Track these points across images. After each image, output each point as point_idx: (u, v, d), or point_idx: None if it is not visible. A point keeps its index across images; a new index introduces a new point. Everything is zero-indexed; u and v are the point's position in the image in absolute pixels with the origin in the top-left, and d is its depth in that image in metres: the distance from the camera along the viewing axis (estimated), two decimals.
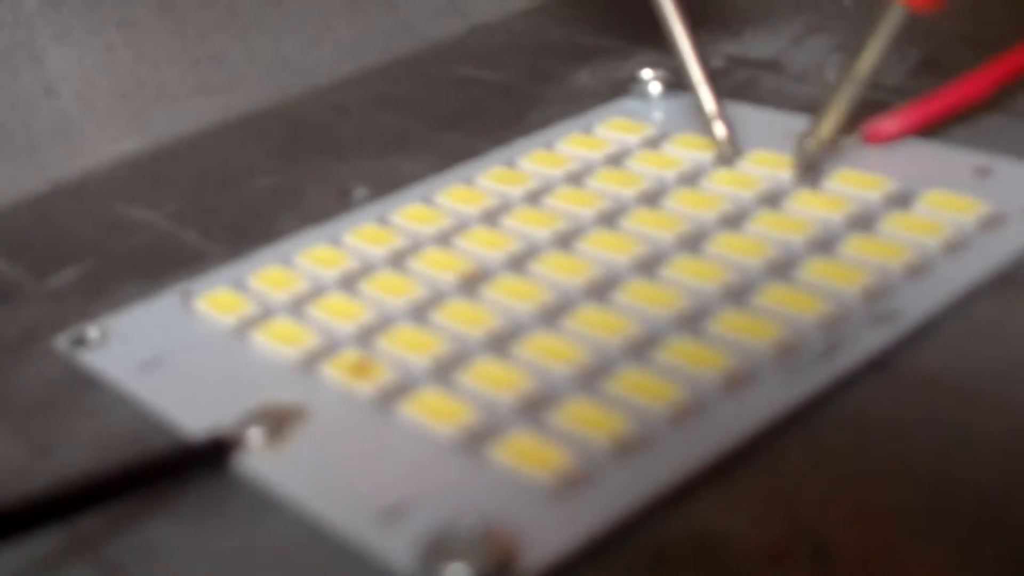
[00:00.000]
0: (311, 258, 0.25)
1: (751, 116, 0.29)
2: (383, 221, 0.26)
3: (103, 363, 0.23)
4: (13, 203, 0.31)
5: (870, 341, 0.20)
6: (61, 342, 0.23)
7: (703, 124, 0.27)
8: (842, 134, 0.27)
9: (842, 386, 0.19)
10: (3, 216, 0.30)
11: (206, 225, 0.28)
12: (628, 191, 0.26)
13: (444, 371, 0.21)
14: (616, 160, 0.27)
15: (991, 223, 0.23)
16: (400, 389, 0.20)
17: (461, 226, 0.25)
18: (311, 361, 0.22)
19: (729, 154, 0.26)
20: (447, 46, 0.37)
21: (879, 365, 0.20)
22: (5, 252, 0.28)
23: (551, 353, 0.21)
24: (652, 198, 0.26)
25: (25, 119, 0.31)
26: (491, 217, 0.26)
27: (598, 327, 0.21)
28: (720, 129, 0.27)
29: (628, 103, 0.30)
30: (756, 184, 0.25)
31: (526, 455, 0.18)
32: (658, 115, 0.29)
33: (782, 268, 0.22)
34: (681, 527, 0.17)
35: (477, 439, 0.19)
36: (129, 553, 0.18)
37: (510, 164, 0.28)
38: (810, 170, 0.25)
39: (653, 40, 0.35)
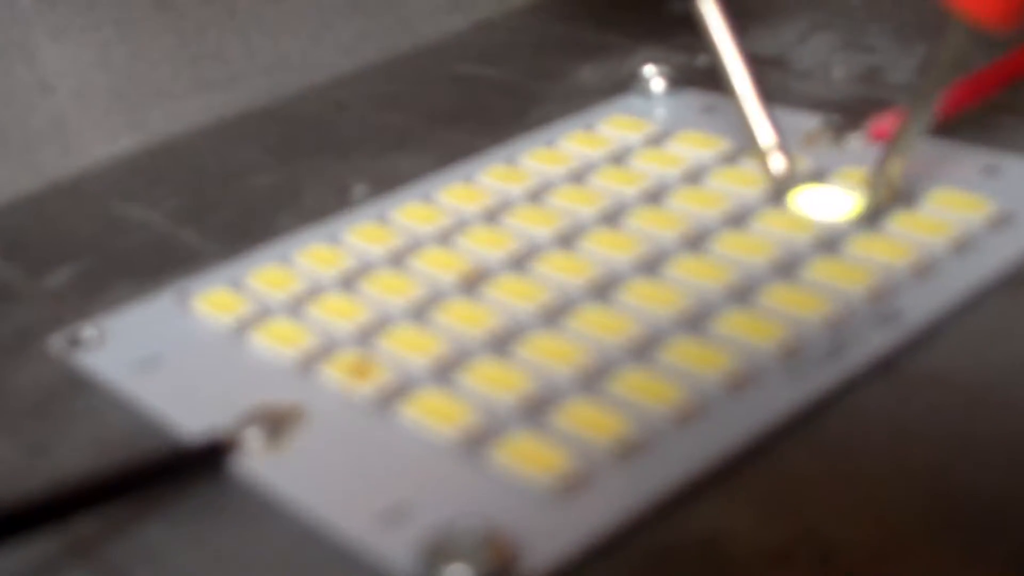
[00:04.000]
0: (310, 257, 0.25)
1: (756, 113, 0.28)
2: (383, 220, 0.26)
3: (99, 363, 0.22)
4: (8, 202, 0.30)
5: (875, 342, 0.20)
6: (57, 342, 0.23)
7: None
8: (848, 131, 0.26)
9: (847, 387, 0.19)
10: None
11: (204, 224, 0.28)
12: (630, 189, 0.26)
13: (444, 372, 0.21)
14: (618, 158, 0.27)
15: (999, 222, 0.23)
16: (400, 390, 0.20)
17: (461, 225, 0.25)
18: (310, 362, 0.21)
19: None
20: (447, 43, 0.37)
21: (884, 366, 0.20)
22: (0, 251, 0.28)
23: (552, 353, 0.20)
24: (655, 196, 0.25)
25: (20, 117, 0.31)
26: (492, 216, 0.25)
27: (600, 327, 0.21)
28: (779, 163, 0.24)
29: (630, 100, 0.30)
30: (760, 182, 0.25)
31: (527, 456, 0.18)
32: (661, 112, 0.29)
33: (787, 268, 0.22)
34: (684, 530, 0.17)
35: (478, 440, 0.19)
36: (126, 556, 0.18)
37: (511, 162, 0.28)
38: (878, 215, 0.23)
39: (656, 37, 0.35)
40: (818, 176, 0.25)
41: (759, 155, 0.25)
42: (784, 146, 0.24)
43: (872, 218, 0.23)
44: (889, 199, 0.23)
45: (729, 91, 0.25)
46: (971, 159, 0.25)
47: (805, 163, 0.25)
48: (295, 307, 0.23)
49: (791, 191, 0.24)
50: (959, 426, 0.18)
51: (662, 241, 0.24)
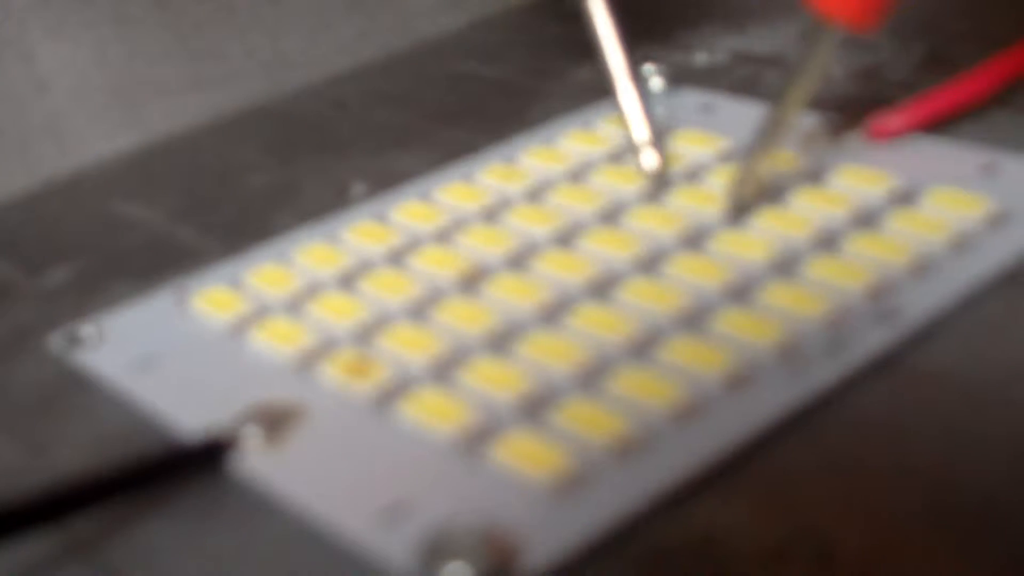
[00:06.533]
0: (308, 256, 0.25)
1: (754, 112, 0.28)
2: (381, 218, 0.26)
3: (97, 362, 0.22)
4: (5, 201, 0.30)
5: (874, 340, 0.20)
6: (55, 341, 0.23)
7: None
8: (847, 130, 0.26)
9: (846, 386, 0.19)
10: None
11: (202, 222, 0.28)
12: (629, 188, 0.26)
13: (443, 370, 0.21)
14: (617, 157, 0.27)
15: (997, 221, 0.23)
16: (399, 388, 0.20)
17: (460, 223, 0.25)
18: (308, 360, 0.21)
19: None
20: (446, 42, 0.37)
21: (883, 364, 0.20)
22: None
23: (551, 352, 0.20)
24: (653, 195, 0.25)
25: (17, 116, 0.31)
26: (491, 214, 0.25)
27: (598, 326, 0.21)
28: (651, 159, 0.25)
29: None
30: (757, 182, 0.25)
31: (526, 455, 0.18)
32: (659, 111, 0.29)
33: (785, 266, 0.22)
34: (682, 527, 0.17)
35: (476, 439, 0.19)
36: (125, 555, 0.18)
37: (510, 161, 0.28)
38: (743, 212, 0.24)
39: (654, 35, 0.35)
40: (813, 178, 0.25)
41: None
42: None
43: (739, 215, 0.24)
44: (756, 196, 0.24)
45: (609, 83, 0.26)
46: (969, 158, 0.25)
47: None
48: (294, 306, 0.23)
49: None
50: (957, 424, 0.18)
51: (661, 239, 0.24)
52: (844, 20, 0.22)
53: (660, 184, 0.25)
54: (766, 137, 0.24)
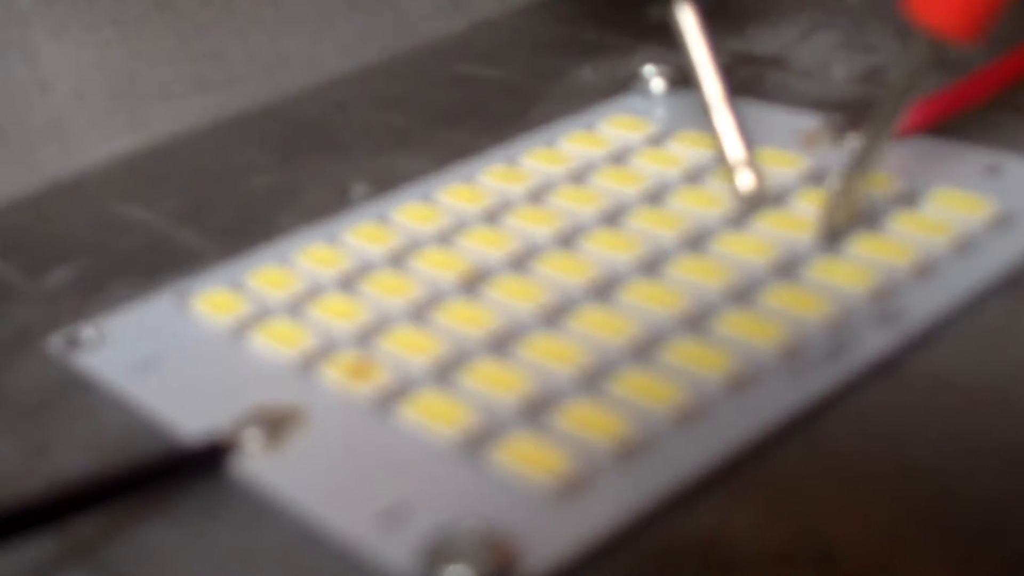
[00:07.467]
0: (309, 257, 0.25)
1: (756, 113, 0.28)
2: (382, 220, 0.26)
3: (98, 364, 0.22)
4: (7, 202, 0.30)
5: (876, 342, 0.20)
6: (56, 343, 0.23)
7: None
8: (848, 131, 0.26)
9: (848, 388, 0.19)
10: None
11: (203, 224, 0.28)
12: (631, 189, 0.26)
13: (444, 372, 0.21)
14: (619, 158, 0.27)
15: (1000, 222, 0.23)
16: (399, 390, 0.20)
17: (461, 225, 0.25)
18: (309, 362, 0.21)
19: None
20: (447, 43, 0.37)
21: (885, 367, 0.20)
22: None
23: (552, 354, 0.20)
24: (655, 196, 0.25)
25: (19, 117, 0.31)
26: (492, 216, 0.25)
27: (600, 328, 0.21)
28: (747, 180, 0.24)
29: (631, 100, 0.30)
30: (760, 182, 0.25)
31: (527, 457, 0.18)
32: (661, 112, 0.29)
33: (787, 268, 0.22)
34: (685, 530, 0.17)
35: (477, 441, 0.19)
36: (125, 557, 0.18)
37: (511, 162, 0.28)
38: (838, 237, 0.22)
39: (656, 37, 0.34)
40: (815, 179, 0.25)
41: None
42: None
43: (832, 241, 0.23)
44: (849, 221, 0.23)
45: (703, 103, 0.25)
46: (972, 159, 0.25)
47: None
48: (294, 307, 0.23)
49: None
50: (959, 427, 0.18)
51: (662, 241, 0.24)
52: (946, 31, 0.21)
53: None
54: (862, 159, 0.22)
